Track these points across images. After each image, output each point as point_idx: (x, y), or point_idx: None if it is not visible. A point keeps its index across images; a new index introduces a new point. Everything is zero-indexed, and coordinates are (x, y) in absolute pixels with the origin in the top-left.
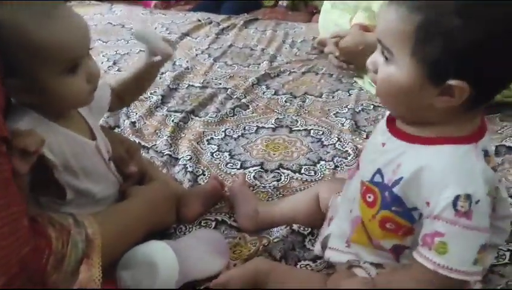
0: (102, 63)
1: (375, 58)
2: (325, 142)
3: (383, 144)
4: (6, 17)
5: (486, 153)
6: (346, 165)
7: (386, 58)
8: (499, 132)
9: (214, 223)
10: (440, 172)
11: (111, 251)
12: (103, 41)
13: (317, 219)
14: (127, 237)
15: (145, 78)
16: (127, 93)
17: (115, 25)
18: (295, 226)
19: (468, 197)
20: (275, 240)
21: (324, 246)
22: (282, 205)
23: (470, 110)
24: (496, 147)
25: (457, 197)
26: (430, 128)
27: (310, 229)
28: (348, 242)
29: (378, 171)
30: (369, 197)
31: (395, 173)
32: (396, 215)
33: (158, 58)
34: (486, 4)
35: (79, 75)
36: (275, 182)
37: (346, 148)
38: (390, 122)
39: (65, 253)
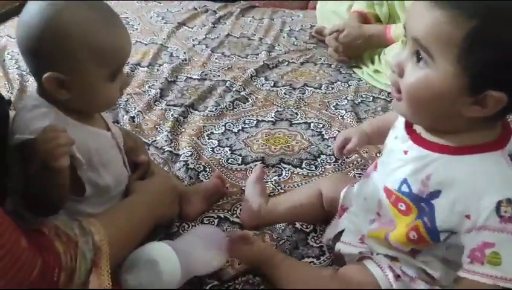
0: None
1: (402, 59)
2: (326, 136)
3: (405, 152)
4: (71, 13)
5: None
6: (346, 158)
7: (419, 60)
8: None
9: (216, 220)
10: (474, 182)
11: (119, 251)
12: None
13: (319, 215)
14: (134, 234)
15: None
16: None
17: None
18: (298, 224)
19: (510, 201)
20: (280, 242)
21: (336, 239)
22: (284, 204)
23: (498, 120)
24: None
25: (499, 203)
26: (451, 137)
27: (312, 226)
28: (363, 239)
29: (405, 181)
30: (401, 205)
31: (425, 184)
32: (424, 228)
33: None
34: None
35: (116, 83)
36: (276, 177)
37: None
38: (409, 127)
39: (74, 267)
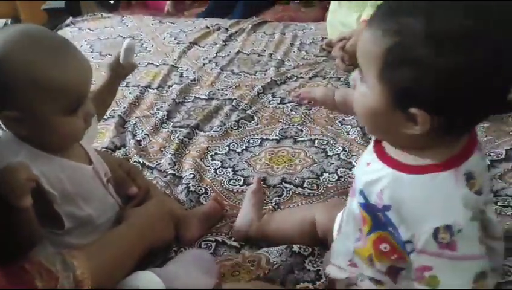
0: None
1: (356, 75)
2: (329, 153)
3: (368, 164)
4: (16, 52)
5: (470, 176)
6: (349, 177)
7: (362, 77)
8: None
9: (214, 244)
10: (419, 204)
11: (107, 281)
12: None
13: (311, 242)
14: (122, 263)
15: (109, 93)
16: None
17: (124, 38)
18: (295, 247)
19: (448, 228)
20: (275, 266)
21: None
22: (275, 225)
23: (445, 138)
24: (506, 151)
25: (436, 230)
26: (410, 153)
27: (310, 249)
28: (352, 261)
29: (361, 192)
30: (362, 216)
31: (380, 197)
32: (392, 237)
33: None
34: (458, 38)
35: (78, 115)
36: (277, 198)
37: (350, 159)
38: (378, 141)
39: None
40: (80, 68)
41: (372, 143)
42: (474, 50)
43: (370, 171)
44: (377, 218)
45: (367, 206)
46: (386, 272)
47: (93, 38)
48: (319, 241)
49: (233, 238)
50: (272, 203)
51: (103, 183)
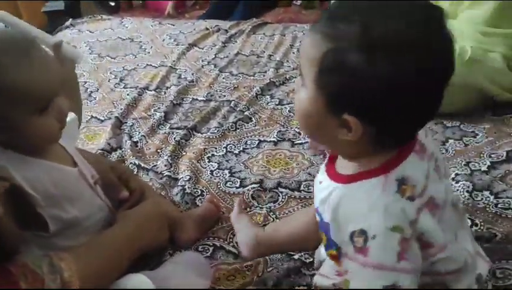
0: (109, 80)
1: (297, 79)
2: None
3: (320, 182)
4: None
5: (402, 182)
6: None
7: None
8: None
9: (211, 249)
10: (346, 209)
11: (96, 284)
12: (111, 58)
13: (317, 241)
14: (112, 266)
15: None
16: None
17: (124, 39)
18: (296, 256)
19: (362, 232)
20: (269, 269)
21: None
22: (281, 231)
23: (381, 146)
24: (507, 152)
25: (352, 233)
26: (351, 164)
27: (312, 258)
28: (340, 271)
29: (317, 211)
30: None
31: (328, 212)
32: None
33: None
34: (391, 47)
35: (49, 115)
36: (272, 204)
37: None
38: (331, 159)
39: None
40: (44, 68)
41: (325, 162)
42: (407, 60)
43: (322, 188)
44: (329, 236)
45: (322, 225)
46: None
47: (92, 40)
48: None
49: (231, 243)
50: (267, 208)
51: (90, 185)
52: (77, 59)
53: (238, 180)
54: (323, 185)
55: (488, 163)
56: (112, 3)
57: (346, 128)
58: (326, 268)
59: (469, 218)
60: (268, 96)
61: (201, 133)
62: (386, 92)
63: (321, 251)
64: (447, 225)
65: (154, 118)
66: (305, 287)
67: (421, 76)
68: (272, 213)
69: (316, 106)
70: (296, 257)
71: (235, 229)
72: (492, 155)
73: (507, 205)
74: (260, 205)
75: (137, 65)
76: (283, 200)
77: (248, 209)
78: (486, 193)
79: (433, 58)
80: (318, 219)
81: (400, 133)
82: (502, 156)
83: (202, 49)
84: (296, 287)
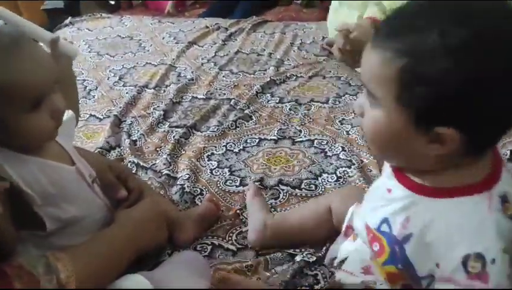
0: (108, 78)
1: (362, 101)
2: (329, 153)
3: (389, 190)
4: None
5: (504, 199)
6: (349, 176)
7: (372, 102)
8: None
9: (210, 247)
10: (448, 229)
11: (95, 284)
12: (111, 56)
13: (329, 232)
14: (110, 266)
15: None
16: None
17: (123, 38)
18: (298, 257)
19: (479, 256)
20: (275, 276)
21: (337, 266)
22: (292, 219)
23: (472, 156)
24: (511, 151)
25: (466, 257)
26: (436, 177)
27: (315, 258)
28: (366, 269)
29: (386, 221)
30: (375, 245)
31: (404, 226)
32: (403, 273)
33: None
34: (475, 49)
35: (42, 112)
36: (273, 200)
37: (350, 158)
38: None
39: None
40: (35, 64)
41: (389, 167)
42: (493, 59)
43: (394, 198)
44: (394, 252)
45: (389, 237)
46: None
47: (91, 38)
48: (333, 230)
49: (230, 241)
50: (267, 205)
51: (88, 184)
52: (73, 55)
53: (238, 179)
54: (396, 195)
55: None
56: (112, 2)
57: (438, 143)
58: (350, 265)
59: None
60: (268, 95)
61: (201, 132)
62: (477, 94)
63: (341, 248)
64: None
65: (153, 117)
66: (308, 288)
67: (509, 72)
68: (273, 209)
69: (399, 125)
70: (298, 258)
71: (248, 212)
72: None
73: None
74: (264, 197)
75: (137, 63)
76: (284, 197)
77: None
78: None
79: None
80: (386, 229)
81: (493, 138)
82: (506, 155)
83: (202, 47)
84: (299, 288)
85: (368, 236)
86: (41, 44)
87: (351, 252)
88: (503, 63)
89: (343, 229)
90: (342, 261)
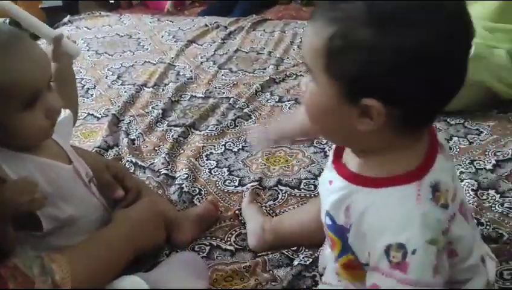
0: (106, 77)
1: (307, 78)
2: (328, 153)
3: (330, 182)
4: None
5: (436, 188)
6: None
7: (311, 77)
8: None
9: (208, 248)
10: (378, 219)
11: (91, 285)
12: (109, 54)
13: (323, 232)
14: (107, 267)
15: (62, 78)
16: None
17: (122, 36)
18: (296, 262)
19: (400, 246)
20: (273, 283)
21: (323, 272)
22: (289, 221)
23: (405, 135)
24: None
25: (388, 247)
26: (372, 163)
27: (312, 259)
28: (340, 279)
29: (328, 214)
30: (328, 239)
31: (347, 216)
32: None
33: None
34: (401, 20)
35: (37, 111)
36: (271, 202)
37: None
38: (337, 156)
39: None
40: (29, 63)
41: (330, 159)
42: (422, 26)
43: (333, 189)
44: (345, 239)
45: (335, 229)
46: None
47: (90, 36)
48: None
49: (228, 242)
50: (266, 207)
51: (85, 184)
52: (75, 54)
53: (237, 179)
54: (335, 186)
55: (494, 161)
56: (112, 1)
57: (367, 117)
58: (329, 275)
59: (475, 217)
60: (268, 94)
61: (200, 131)
62: (403, 64)
63: (325, 254)
64: None
65: (151, 116)
66: None
67: (439, 41)
68: (271, 211)
69: (330, 98)
70: (295, 262)
71: (244, 219)
72: (498, 153)
73: None
74: (259, 204)
75: (136, 62)
76: (283, 198)
77: None
78: (492, 192)
79: (447, 21)
80: (328, 222)
81: (423, 114)
82: (508, 155)
83: (201, 45)
84: None
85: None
86: (44, 41)
87: (328, 259)
88: (432, 31)
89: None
90: (325, 268)
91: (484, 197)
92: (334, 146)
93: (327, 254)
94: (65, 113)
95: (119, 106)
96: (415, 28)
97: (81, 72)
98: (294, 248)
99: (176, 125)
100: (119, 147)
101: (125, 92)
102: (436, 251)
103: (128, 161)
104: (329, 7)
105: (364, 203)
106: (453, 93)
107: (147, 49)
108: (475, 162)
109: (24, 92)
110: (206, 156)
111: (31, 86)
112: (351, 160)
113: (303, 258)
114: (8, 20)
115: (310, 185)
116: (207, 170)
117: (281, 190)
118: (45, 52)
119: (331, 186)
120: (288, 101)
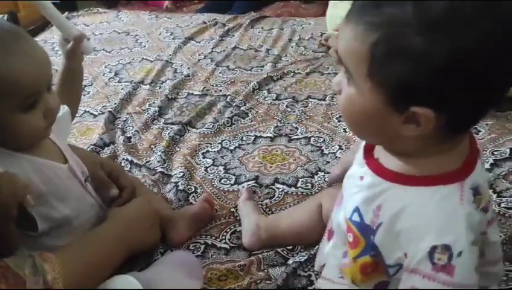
0: (103, 74)
1: (340, 78)
2: (325, 151)
3: (361, 178)
4: None
5: (477, 191)
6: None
7: (349, 79)
8: None
9: (203, 247)
10: (417, 219)
11: (84, 285)
12: (107, 51)
13: (320, 230)
14: (100, 266)
15: (71, 82)
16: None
17: (120, 33)
18: (290, 261)
19: (446, 248)
20: (267, 282)
21: (319, 271)
22: (285, 219)
23: (449, 139)
24: (511, 149)
25: (433, 249)
26: (410, 163)
27: (306, 257)
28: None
29: (357, 210)
30: (350, 236)
31: (376, 215)
32: (375, 261)
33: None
34: (453, 23)
35: (36, 112)
36: (268, 200)
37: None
38: (368, 152)
39: None
40: (31, 63)
41: (361, 154)
42: (473, 32)
43: (365, 186)
44: (369, 240)
45: (361, 227)
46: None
47: (87, 33)
48: (325, 231)
49: (223, 241)
50: (262, 205)
51: (81, 183)
52: (88, 53)
53: (233, 177)
54: (367, 182)
55: (491, 161)
56: None
57: (413, 123)
58: (330, 271)
59: None
60: (265, 91)
61: (196, 129)
62: (456, 70)
63: (324, 251)
64: None
65: (148, 113)
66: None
67: (495, 44)
68: (268, 210)
69: (372, 104)
70: (290, 261)
71: (240, 216)
72: (496, 152)
73: (511, 204)
74: (256, 202)
75: (133, 59)
76: (279, 196)
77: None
78: (489, 192)
79: (502, 23)
80: (356, 219)
81: (470, 119)
82: (506, 154)
83: (199, 43)
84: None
85: (346, 226)
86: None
87: (328, 255)
88: (483, 36)
89: (326, 232)
90: (323, 266)
91: None
92: (363, 142)
93: (327, 251)
94: (63, 109)
95: (115, 104)
96: (469, 32)
97: None
98: (290, 247)
99: (172, 123)
100: (115, 144)
101: (122, 89)
102: (477, 251)
103: (124, 159)
104: (371, 10)
105: (400, 201)
106: (503, 95)
107: (145, 46)
108: None
109: (25, 93)
110: (202, 154)
111: (32, 87)
112: (384, 156)
113: (298, 257)
114: (6, 17)
115: (307, 184)
116: (203, 168)
117: (278, 188)
118: (45, 52)
119: (361, 181)
120: (285, 99)
